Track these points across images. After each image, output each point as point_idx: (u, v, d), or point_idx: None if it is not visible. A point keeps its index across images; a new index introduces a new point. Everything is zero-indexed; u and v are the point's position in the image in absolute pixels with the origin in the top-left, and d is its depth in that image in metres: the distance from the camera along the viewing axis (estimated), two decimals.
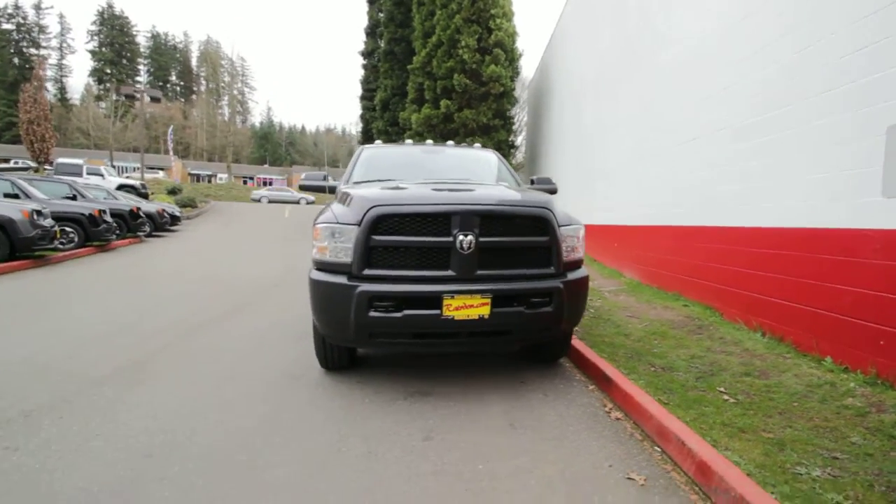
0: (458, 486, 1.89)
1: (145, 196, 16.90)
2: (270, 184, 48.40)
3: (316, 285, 2.64)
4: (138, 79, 64.77)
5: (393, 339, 2.61)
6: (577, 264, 2.90)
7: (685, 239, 5.00)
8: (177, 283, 6.35)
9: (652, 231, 5.86)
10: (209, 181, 46.27)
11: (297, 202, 30.56)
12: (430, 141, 5.09)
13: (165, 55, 70.57)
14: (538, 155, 14.56)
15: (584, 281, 2.87)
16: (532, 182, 4.11)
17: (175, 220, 14.27)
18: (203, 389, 2.80)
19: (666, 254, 5.45)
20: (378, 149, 4.33)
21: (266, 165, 64.45)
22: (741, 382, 2.84)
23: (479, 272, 2.56)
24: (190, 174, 48.09)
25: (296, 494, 1.81)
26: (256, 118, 66.83)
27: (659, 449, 2.19)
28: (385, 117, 17.72)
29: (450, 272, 2.54)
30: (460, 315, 2.49)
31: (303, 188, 4.07)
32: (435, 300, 2.47)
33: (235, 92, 55.21)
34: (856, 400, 2.50)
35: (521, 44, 16.77)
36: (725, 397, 2.63)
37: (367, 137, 21.17)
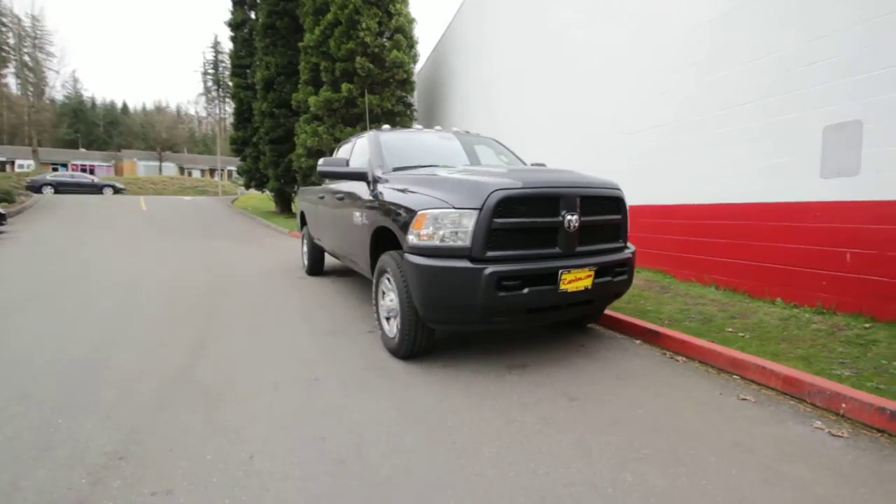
0: (644, 423, 2.21)
1: None
2: (91, 171, 40.03)
3: (431, 270, 2.64)
4: None
5: (513, 315, 2.76)
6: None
7: (633, 217, 5.94)
8: (98, 294, 5.20)
9: None
10: (4, 169, 36.31)
11: (101, 191, 26.01)
12: (438, 126, 5.08)
13: None
14: None
15: (635, 252, 3.38)
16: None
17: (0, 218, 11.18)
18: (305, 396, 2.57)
19: None
20: (393, 134, 4.24)
21: (83, 150, 52.96)
22: (734, 323, 3.68)
23: (579, 248, 2.86)
24: None
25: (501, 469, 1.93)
26: (59, 93, 53.96)
27: (738, 376, 2.81)
28: (270, 98, 16.20)
29: (556, 249, 2.79)
30: (571, 288, 2.77)
31: (323, 175, 3.81)
32: (552, 276, 2.71)
33: (26, 58, 43.76)
34: (819, 325, 3.49)
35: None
36: (741, 334, 3.41)
37: (243, 118, 19.06)
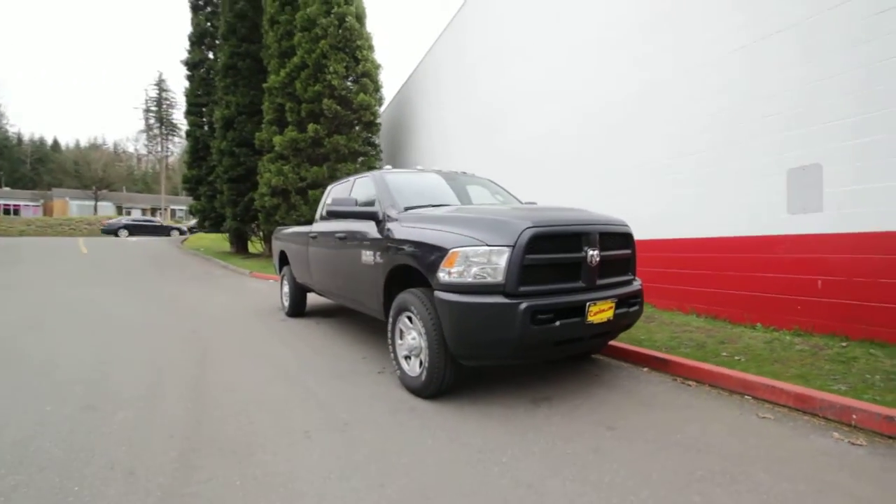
0: (686, 446, 2.31)
1: None
2: (16, 211, 36.90)
3: (466, 307, 2.68)
4: None
5: (543, 349, 2.83)
6: None
7: None
8: (67, 343, 4.72)
9: None
10: None
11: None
12: (438, 167, 5.19)
13: None
14: None
15: (642, 284, 3.59)
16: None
17: None
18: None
19: None
20: (398, 174, 4.31)
21: (6, 188, 48.79)
22: (726, 348, 3.95)
23: (599, 282, 3.02)
24: None
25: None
26: None
27: (749, 396, 3.01)
28: (230, 136, 15.88)
29: (580, 283, 2.93)
30: (597, 319, 2.90)
31: (333, 214, 3.80)
32: (581, 308, 2.83)
33: None
34: (801, 346, 3.82)
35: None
36: (737, 357, 3.66)
37: (197, 157, 18.47)
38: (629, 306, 3.18)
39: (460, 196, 4.21)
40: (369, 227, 3.85)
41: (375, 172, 4.28)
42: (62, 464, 2.23)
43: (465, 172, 4.88)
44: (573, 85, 6.86)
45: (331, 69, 13.29)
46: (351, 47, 13.71)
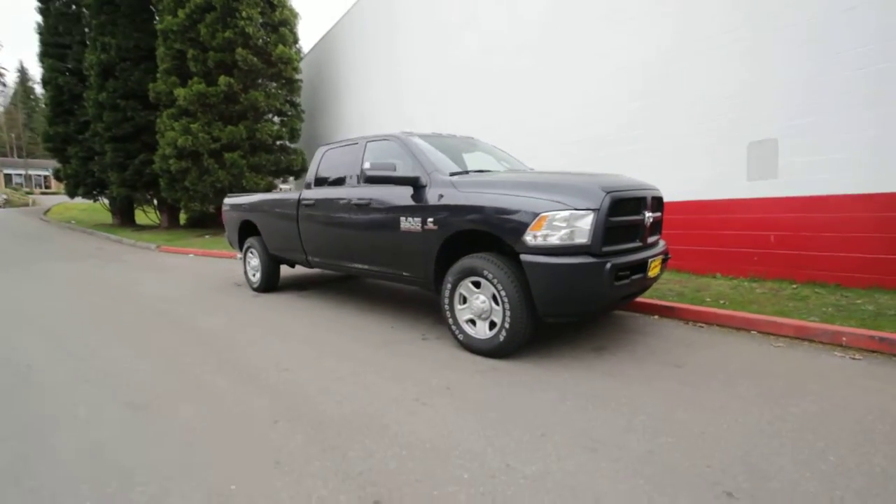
0: (738, 375, 2.79)
1: None
2: None
3: (559, 268, 2.82)
4: None
5: (616, 302, 3.12)
6: None
7: None
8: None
9: None
10: None
11: None
12: (453, 132, 4.99)
13: None
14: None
15: None
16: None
17: None
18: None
19: None
20: (426, 139, 4.15)
21: None
22: (704, 295, 4.66)
23: (648, 240, 3.38)
24: None
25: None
26: None
27: (754, 331, 3.66)
28: (110, 86, 13.29)
29: (638, 242, 3.25)
30: (652, 274, 3.26)
31: (373, 179, 3.58)
32: (645, 265, 3.16)
33: None
34: (761, 290, 4.67)
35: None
36: (721, 301, 4.36)
37: (62, 110, 15.22)
38: (664, 261, 3.61)
39: (473, 161, 4.24)
40: (404, 193, 3.72)
41: (401, 135, 4.08)
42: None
43: (471, 137, 4.88)
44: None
45: (243, 14, 11.84)
46: None
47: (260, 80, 12.70)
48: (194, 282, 6.81)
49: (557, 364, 3.05)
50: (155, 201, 15.18)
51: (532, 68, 7.24)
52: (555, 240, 2.88)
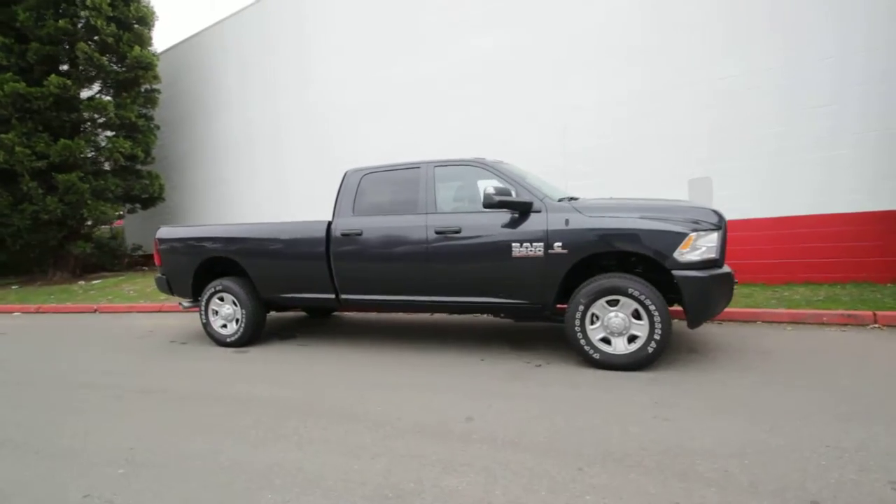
0: (799, 361, 3.64)
1: None
2: None
3: (712, 279, 3.23)
4: None
5: None
6: None
7: None
8: None
9: None
10: None
11: None
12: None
13: None
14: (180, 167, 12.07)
15: None
16: None
17: None
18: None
19: None
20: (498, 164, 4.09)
21: None
22: None
23: None
24: None
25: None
26: None
27: (760, 322, 4.68)
28: None
29: None
30: None
31: (492, 205, 3.42)
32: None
33: None
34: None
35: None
36: None
37: None
38: None
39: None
40: (504, 218, 3.66)
41: (488, 160, 3.99)
42: None
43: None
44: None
45: (88, 2, 9.42)
46: None
47: (108, 84, 10.13)
48: (107, 347, 5.00)
49: (696, 369, 3.40)
50: None
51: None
52: (696, 256, 3.28)
